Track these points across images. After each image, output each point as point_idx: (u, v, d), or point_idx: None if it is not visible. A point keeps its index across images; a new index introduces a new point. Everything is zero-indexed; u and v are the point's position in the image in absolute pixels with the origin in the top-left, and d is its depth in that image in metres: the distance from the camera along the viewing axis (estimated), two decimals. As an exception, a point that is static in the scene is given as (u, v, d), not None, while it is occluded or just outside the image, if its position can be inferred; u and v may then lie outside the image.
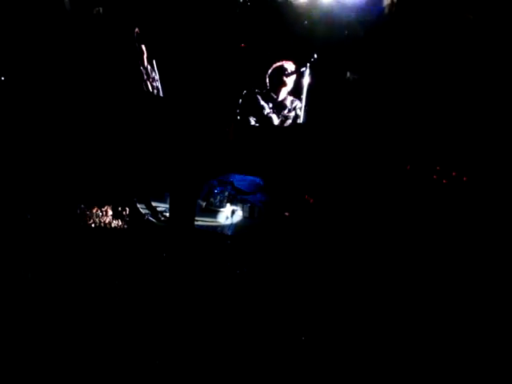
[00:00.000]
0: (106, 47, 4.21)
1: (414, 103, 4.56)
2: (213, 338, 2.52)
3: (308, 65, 4.21)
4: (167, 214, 4.07)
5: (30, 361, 2.22)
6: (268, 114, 4.50)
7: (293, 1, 5.18)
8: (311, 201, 4.01)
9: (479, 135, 4.32)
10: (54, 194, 4.01)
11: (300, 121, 4.46)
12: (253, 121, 4.43)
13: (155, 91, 4.18)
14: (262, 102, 4.51)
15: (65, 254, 3.28)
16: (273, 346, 2.50)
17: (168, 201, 4.07)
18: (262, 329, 2.62)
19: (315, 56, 4.19)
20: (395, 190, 4.03)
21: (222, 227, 4.10)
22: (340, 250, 3.59)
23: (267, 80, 4.60)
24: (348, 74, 5.07)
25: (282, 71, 4.50)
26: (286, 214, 4.02)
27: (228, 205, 4.24)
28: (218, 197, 4.30)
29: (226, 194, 4.29)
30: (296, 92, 4.59)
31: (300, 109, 4.49)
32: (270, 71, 4.59)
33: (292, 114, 4.60)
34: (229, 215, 4.19)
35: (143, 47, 4.13)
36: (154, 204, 4.22)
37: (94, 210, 4.00)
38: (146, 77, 4.13)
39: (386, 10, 5.01)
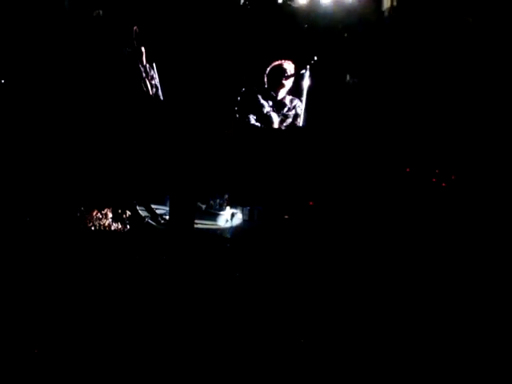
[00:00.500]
0: (106, 48, 4.20)
1: (414, 106, 4.57)
2: (213, 340, 2.52)
3: (308, 67, 4.19)
4: (167, 217, 4.07)
5: (30, 362, 2.22)
6: (267, 112, 4.44)
7: (293, 3, 5.17)
8: (311, 203, 4.01)
9: (478, 139, 4.33)
10: (53, 196, 4.00)
11: (300, 120, 4.43)
12: (253, 119, 4.37)
13: (154, 90, 4.17)
14: (262, 101, 4.46)
15: (64, 257, 3.28)
16: (272, 348, 2.49)
17: (168, 204, 4.07)
18: (262, 331, 2.62)
19: (315, 58, 4.17)
20: (394, 193, 4.03)
21: (222, 230, 4.10)
22: (340, 253, 3.59)
23: (265, 79, 4.55)
24: (347, 77, 5.07)
25: (281, 71, 4.45)
26: (286, 216, 4.02)
27: (228, 208, 4.24)
28: (218, 200, 4.30)
29: (226, 196, 4.29)
30: (295, 92, 4.55)
31: (299, 107, 4.46)
32: (268, 70, 4.54)
33: (292, 112, 4.53)
34: (228, 218, 4.18)
35: (142, 47, 4.12)
36: (153, 207, 4.22)
37: (94, 213, 3.99)
38: (145, 78, 4.11)
39: (386, 14, 5.02)
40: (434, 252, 3.56)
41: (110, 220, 3.98)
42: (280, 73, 4.45)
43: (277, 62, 4.50)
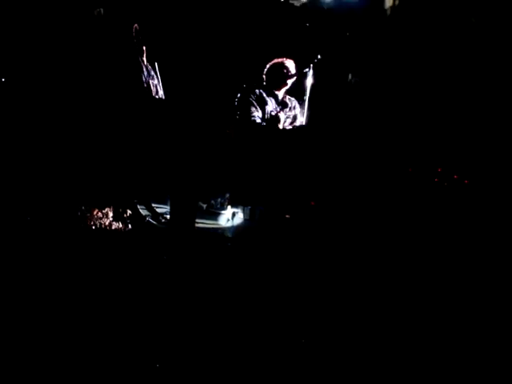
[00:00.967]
0: (107, 46, 4.19)
1: (416, 106, 4.55)
2: (213, 340, 2.50)
3: (311, 65, 4.12)
4: (168, 216, 4.06)
5: (30, 362, 2.21)
6: (272, 111, 4.31)
7: (295, 2, 5.16)
8: (312, 203, 3.99)
9: (481, 138, 4.31)
10: (54, 195, 3.99)
11: (298, 121, 4.40)
12: (258, 119, 4.23)
13: (154, 89, 4.15)
14: (267, 98, 4.33)
15: (65, 257, 3.27)
16: (274, 348, 2.49)
17: (169, 202, 4.06)
18: (263, 331, 2.61)
19: (319, 56, 4.10)
20: (397, 193, 4.02)
21: (223, 229, 4.09)
22: (342, 253, 3.58)
23: (264, 77, 4.41)
24: (350, 76, 5.06)
25: (283, 69, 4.32)
26: (287, 216, 4.01)
27: (229, 207, 4.23)
28: (219, 199, 4.28)
29: (227, 196, 4.28)
30: (293, 92, 4.49)
31: (297, 108, 4.40)
32: (268, 67, 4.40)
33: (292, 113, 4.44)
34: (230, 217, 4.17)
35: (143, 46, 4.10)
36: (154, 206, 4.21)
37: (95, 212, 3.98)
38: (146, 77, 4.10)
39: (388, 13, 5.01)
40: (437, 252, 3.55)
41: (111, 219, 3.97)
42: (282, 71, 4.32)
43: (277, 60, 4.37)
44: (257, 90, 4.30)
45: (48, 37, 4.32)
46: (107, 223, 3.92)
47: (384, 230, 3.79)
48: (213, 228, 4.12)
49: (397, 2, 5.04)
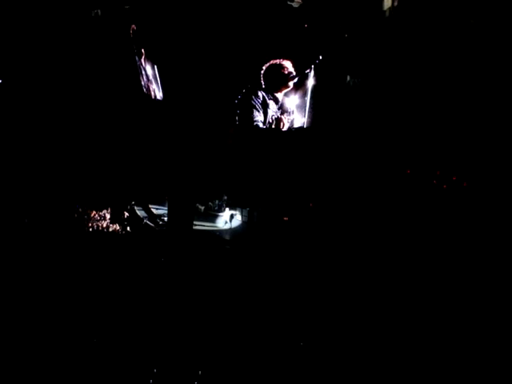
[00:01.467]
0: (105, 49, 4.18)
1: (415, 108, 4.54)
2: (212, 342, 2.50)
3: (313, 66, 4.04)
4: (165, 219, 4.05)
5: (29, 362, 2.20)
6: (273, 115, 4.22)
7: (293, 4, 5.15)
8: (310, 205, 3.98)
9: (479, 141, 4.30)
10: (51, 197, 3.98)
11: (298, 123, 4.36)
12: (260, 123, 4.15)
13: (153, 93, 4.14)
14: (268, 101, 4.21)
15: (62, 259, 3.26)
16: (272, 351, 2.48)
17: (166, 204, 4.04)
18: (261, 334, 2.60)
19: (320, 57, 4.04)
20: (395, 194, 4.01)
21: (221, 232, 4.08)
22: (340, 256, 3.57)
23: (262, 79, 4.28)
24: (348, 78, 5.04)
25: (282, 70, 4.21)
26: (285, 218, 3.99)
27: (227, 209, 4.22)
28: (217, 201, 4.27)
29: (225, 198, 4.26)
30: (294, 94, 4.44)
31: (294, 112, 4.35)
32: (265, 69, 4.26)
33: (291, 117, 4.34)
34: (227, 220, 4.16)
35: (141, 48, 4.09)
36: (152, 207, 4.20)
37: (92, 214, 3.97)
38: (144, 78, 4.08)
39: (387, 14, 5.00)
40: (436, 254, 3.54)
41: (108, 221, 3.96)
42: (280, 72, 4.22)
43: (274, 61, 4.25)
44: (260, 93, 4.19)
45: (44, 39, 4.31)
46: (104, 225, 3.91)
47: (383, 233, 3.78)
48: (211, 230, 4.10)
49: (395, 4, 5.03)
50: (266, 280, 3.25)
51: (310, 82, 4.06)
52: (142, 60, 4.05)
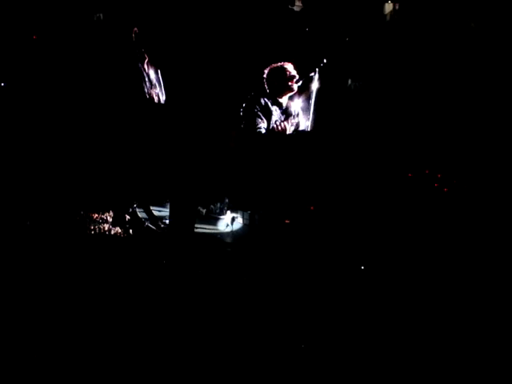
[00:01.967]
0: (107, 53, 4.19)
1: (416, 111, 4.55)
2: (213, 345, 2.50)
3: (317, 70, 3.99)
4: (167, 221, 4.05)
5: (30, 365, 2.21)
6: (276, 121, 4.16)
7: (295, 8, 5.17)
8: (311, 208, 3.99)
9: (481, 144, 4.31)
10: (53, 200, 3.99)
11: (302, 126, 4.33)
12: (263, 130, 4.10)
13: (157, 97, 4.13)
14: (272, 108, 4.16)
15: (64, 262, 3.26)
16: (273, 353, 2.48)
17: (168, 206, 4.05)
18: (263, 336, 2.60)
19: (324, 61, 4.02)
20: (396, 197, 4.01)
21: (222, 235, 4.08)
22: (341, 258, 3.57)
23: (265, 83, 4.23)
24: (349, 81, 5.05)
25: (282, 73, 4.15)
26: (286, 221, 4.00)
27: (228, 212, 4.21)
28: (218, 204, 4.27)
29: (226, 201, 4.26)
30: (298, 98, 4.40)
31: (299, 115, 4.32)
32: (267, 73, 4.19)
33: (296, 120, 4.29)
34: (229, 222, 4.16)
35: (144, 52, 4.08)
36: (154, 209, 4.20)
37: (94, 217, 3.98)
38: (147, 82, 4.08)
39: (388, 18, 5.01)
40: (438, 257, 3.55)
41: (110, 224, 3.97)
42: (283, 76, 4.14)
43: (275, 65, 4.18)
44: (262, 100, 4.13)
45: (47, 42, 4.32)
46: (106, 228, 3.91)
47: (384, 236, 3.78)
48: (212, 233, 4.11)
49: (396, 7, 5.05)
50: (268, 282, 3.25)
51: (315, 86, 4.04)
52: (145, 64, 4.04)
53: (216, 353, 2.44)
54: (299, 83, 4.14)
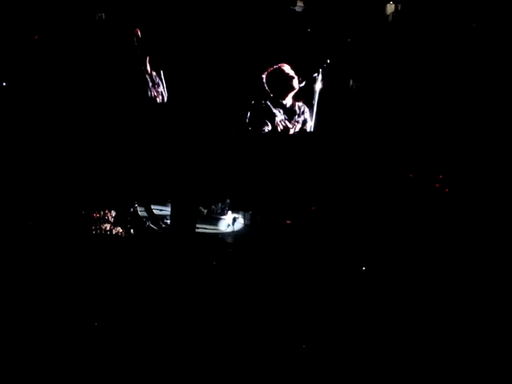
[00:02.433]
0: (109, 53, 4.19)
1: (418, 112, 4.55)
2: (214, 345, 2.50)
3: (320, 70, 3.99)
4: (168, 221, 4.05)
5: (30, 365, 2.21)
6: (281, 121, 4.14)
7: (296, 8, 5.17)
8: (313, 208, 3.98)
9: (482, 146, 4.31)
10: (55, 200, 3.99)
11: (308, 125, 4.30)
12: (266, 129, 4.09)
13: (159, 97, 4.13)
14: (274, 110, 4.15)
15: (66, 261, 3.27)
16: (274, 354, 2.48)
17: (169, 205, 4.05)
18: (263, 337, 2.60)
19: (328, 61, 4.01)
20: (399, 198, 4.01)
21: (223, 235, 4.08)
22: (343, 258, 3.57)
23: (266, 85, 4.22)
24: (351, 82, 5.05)
25: (284, 74, 4.14)
26: (288, 221, 3.99)
27: (229, 212, 4.21)
28: (220, 204, 4.27)
29: (228, 201, 4.26)
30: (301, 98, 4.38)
31: (307, 113, 4.26)
32: (266, 75, 4.19)
33: (301, 118, 4.25)
34: (230, 223, 4.16)
35: (146, 53, 4.09)
36: (155, 208, 4.20)
37: (95, 217, 3.98)
38: (150, 83, 4.08)
39: (390, 19, 5.01)
40: (439, 258, 3.54)
41: (112, 224, 3.96)
42: (284, 77, 4.14)
43: (272, 68, 4.17)
44: (264, 104, 4.14)
45: (49, 43, 4.33)
46: (107, 228, 3.91)
47: (386, 236, 3.78)
48: (213, 233, 4.10)
49: (398, 8, 5.05)
50: (269, 283, 3.24)
51: (318, 86, 4.03)
52: (147, 64, 4.05)
53: (216, 353, 2.43)
54: (302, 84, 4.14)
